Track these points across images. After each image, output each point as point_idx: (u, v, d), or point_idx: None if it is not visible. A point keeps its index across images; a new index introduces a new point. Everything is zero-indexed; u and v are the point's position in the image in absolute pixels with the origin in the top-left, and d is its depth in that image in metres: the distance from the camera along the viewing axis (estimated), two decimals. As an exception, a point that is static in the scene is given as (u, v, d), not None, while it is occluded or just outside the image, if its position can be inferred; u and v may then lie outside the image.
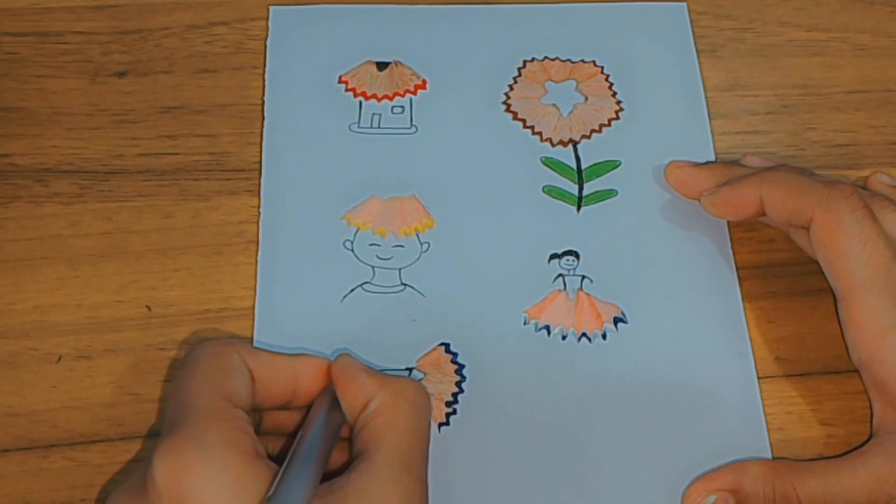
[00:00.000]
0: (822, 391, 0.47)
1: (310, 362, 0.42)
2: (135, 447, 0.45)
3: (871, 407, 0.46)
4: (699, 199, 0.50)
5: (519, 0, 0.57)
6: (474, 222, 0.50)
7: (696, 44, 0.56)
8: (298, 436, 0.39)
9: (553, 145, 0.53)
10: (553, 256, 0.50)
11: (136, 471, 0.38)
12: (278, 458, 0.39)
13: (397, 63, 0.55)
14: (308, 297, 0.48)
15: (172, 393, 0.39)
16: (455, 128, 0.53)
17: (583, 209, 0.51)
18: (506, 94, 0.54)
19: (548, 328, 0.48)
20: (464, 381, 0.46)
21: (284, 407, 0.42)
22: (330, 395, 0.41)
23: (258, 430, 0.41)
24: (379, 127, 0.53)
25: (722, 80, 0.55)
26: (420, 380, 0.46)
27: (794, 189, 0.46)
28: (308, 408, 0.42)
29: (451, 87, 0.54)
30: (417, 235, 0.50)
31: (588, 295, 0.49)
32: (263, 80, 0.54)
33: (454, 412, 0.46)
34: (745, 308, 0.49)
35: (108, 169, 0.51)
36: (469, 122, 0.53)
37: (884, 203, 0.47)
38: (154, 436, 0.45)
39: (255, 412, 0.41)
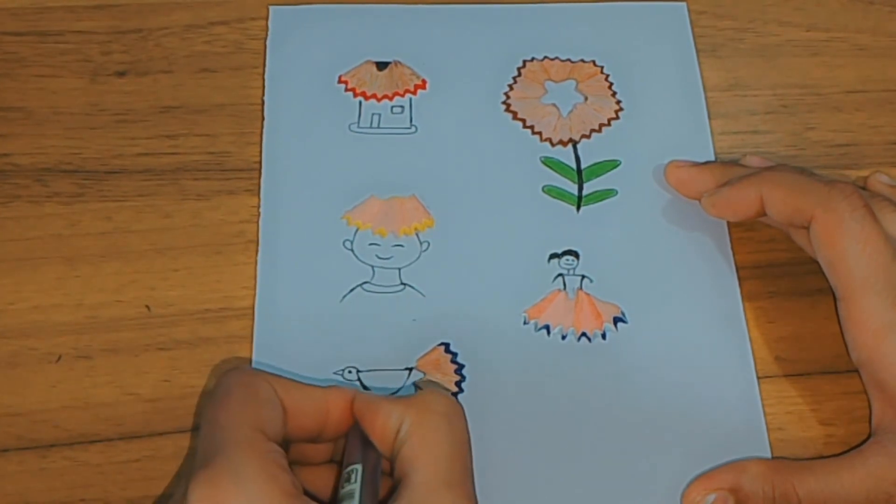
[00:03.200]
0: (822, 391, 0.47)
1: (340, 394, 0.40)
2: (135, 447, 0.45)
3: (870, 406, 0.46)
4: (699, 199, 0.50)
5: (519, 0, 0.57)
6: (474, 222, 0.50)
7: (695, 44, 0.56)
8: (340, 487, 0.38)
9: (553, 145, 0.53)
10: (553, 256, 0.50)
11: (168, 501, 0.37)
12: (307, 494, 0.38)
13: (397, 63, 0.55)
14: (308, 297, 0.48)
15: (204, 425, 0.37)
16: (455, 128, 0.53)
17: (582, 209, 0.51)
18: (505, 93, 0.54)
19: (547, 328, 0.48)
20: (464, 380, 0.46)
21: (313, 440, 0.40)
22: (360, 434, 0.39)
23: None
24: (379, 127, 0.53)
25: (722, 80, 0.55)
26: (420, 380, 0.46)
27: (795, 189, 0.46)
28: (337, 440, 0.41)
29: (450, 86, 0.54)
30: (417, 235, 0.50)
31: (588, 295, 0.49)
32: (263, 80, 0.54)
33: (454, 412, 0.45)
34: (745, 308, 0.49)
35: (108, 169, 0.51)
36: (469, 122, 0.53)
37: (884, 203, 0.47)
38: (155, 436, 0.45)
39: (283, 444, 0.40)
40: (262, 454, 0.36)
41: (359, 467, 0.38)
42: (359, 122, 0.53)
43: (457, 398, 0.46)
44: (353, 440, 0.39)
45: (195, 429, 0.45)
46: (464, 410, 0.39)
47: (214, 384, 0.39)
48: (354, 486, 0.37)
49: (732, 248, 0.50)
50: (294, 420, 0.39)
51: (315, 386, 0.40)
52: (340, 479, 0.39)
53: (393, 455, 0.38)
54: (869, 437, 0.45)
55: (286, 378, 0.39)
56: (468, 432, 0.38)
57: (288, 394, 0.39)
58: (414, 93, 0.54)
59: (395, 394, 0.46)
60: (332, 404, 0.39)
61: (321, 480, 0.41)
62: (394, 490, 0.37)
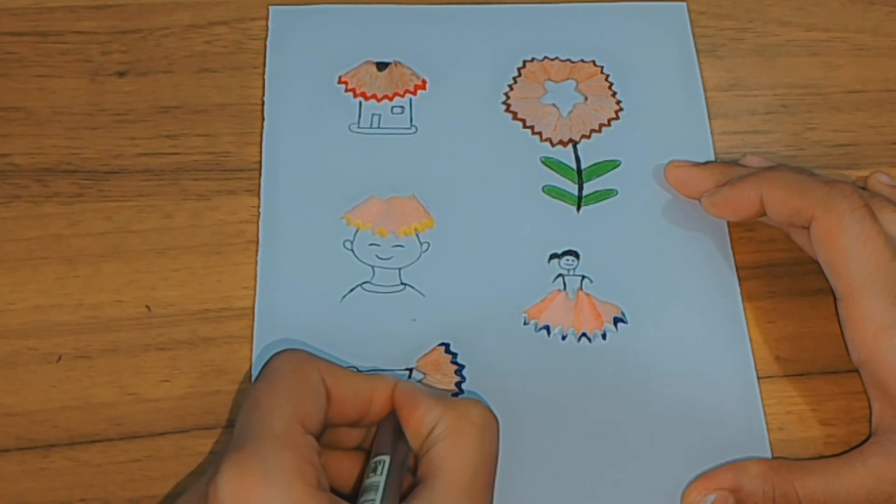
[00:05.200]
0: (822, 391, 0.47)
1: (384, 384, 0.40)
2: (134, 447, 0.45)
3: (870, 406, 0.46)
4: (699, 199, 0.50)
5: (519, 0, 0.57)
6: (474, 222, 0.50)
7: (695, 44, 0.56)
8: (366, 477, 0.38)
9: (553, 145, 0.53)
10: (553, 256, 0.50)
11: (198, 482, 0.38)
12: (334, 477, 0.39)
13: (397, 63, 0.55)
14: (308, 297, 0.48)
15: (247, 402, 0.38)
16: (455, 128, 0.53)
17: (582, 209, 0.51)
18: (505, 93, 0.54)
19: (547, 328, 0.48)
20: (464, 381, 0.46)
21: (353, 425, 0.41)
22: (392, 425, 0.40)
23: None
24: (379, 127, 0.53)
25: (722, 80, 0.55)
26: (420, 380, 0.46)
27: (795, 189, 0.46)
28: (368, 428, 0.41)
29: (450, 87, 0.54)
30: (417, 235, 0.50)
31: (588, 295, 0.49)
32: (263, 80, 0.54)
33: (454, 412, 0.46)
34: (745, 308, 0.49)
35: (108, 169, 0.51)
36: (469, 122, 0.53)
37: (883, 203, 0.47)
38: (155, 436, 0.45)
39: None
40: (296, 447, 0.36)
41: (386, 459, 0.38)
42: (359, 123, 0.53)
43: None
44: (385, 430, 0.40)
45: (194, 429, 0.45)
46: (499, 425, 0.39)
47: (266, 362, 0.39)
48: (380, 479, 0.38)
49: (732, 248, 0.50)
50: (337, 408, 0.39)
51: (362, 374, 0.40)
52: (367, 468, 0.39)
53: (421, 452, 0.38)
54: (869, 437, 0.45)
55: (336, 365, 0.40)
56: (498, 448, 0.39)
57: (336, 383, 0.39)
58: (414, 93, 0.54)
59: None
60: (376, 394, 0.40)
61: (349, 465, 0.41)
62: (413, 487, 0.37)
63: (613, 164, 0.52)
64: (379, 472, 0.38)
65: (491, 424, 0.39)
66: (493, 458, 0.38)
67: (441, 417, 0.38)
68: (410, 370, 0.46)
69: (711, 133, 0.53)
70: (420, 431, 0.38)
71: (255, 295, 0.48)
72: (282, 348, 0.44)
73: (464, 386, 0.46)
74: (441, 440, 0.38)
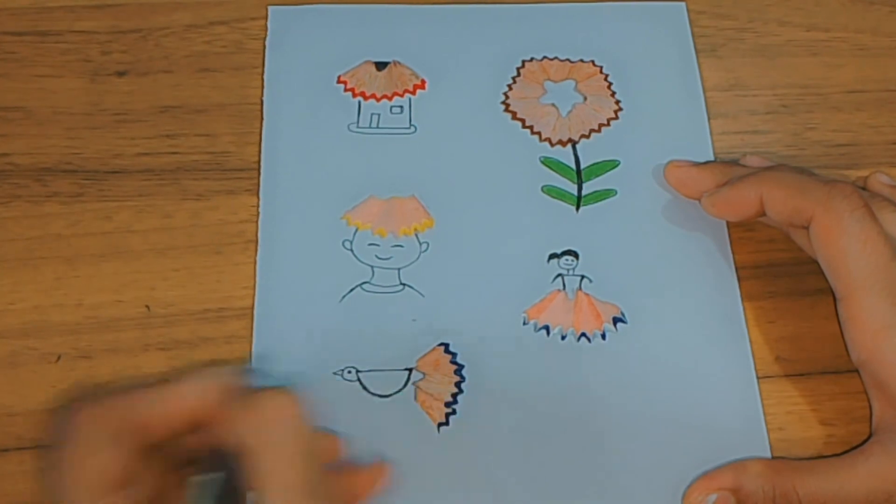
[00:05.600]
0: (822, 391, 0.47)
1: (192, 387, 0.36)
2: (134, 447, 0.45)
3: (870, 406, 0.46)
4: (699, 199, 0.50)
5: (518, 0, 0.57)
6: (474, 222, 0.50)
7: (695, 44, 0.56)
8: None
9: (552, 145, 0.53)
10: (552, 256, 0.50)
11: None
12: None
13: (396, 63, 0.55)
14: (307, 297, 0.48)
15: (50, 469, 0.35)
16: (454, 128, 0.53)
17: (582, 209, 0.51)
18: (505, 93, 0.54)
19: (547, 328, 0.48)
20: (463, 381, 0.46)
21: (194, 431, 0.37)
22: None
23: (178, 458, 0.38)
24: (378, 127, 0.53)
25: (721, 79, 0.55)
26: (420, 380, 0.46)
27: (794, 188, 0.46)
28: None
29: (450, 86, 0.54)
30: (417, 235, 0.50)
31: (587, 295, 0.49)
32: (262, 79, 0.54)
33: (454, 412, 0.46)
34: (745, 308, 0.49)
35: (108, 168, 0.51)
36: (468, 122, 0.53)
37: (883, 203, 0.47)
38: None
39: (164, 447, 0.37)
40: None
41: (201, 478, 0.37)
42: (358, 122, 0.53)
43: (456, 399, 0.46)
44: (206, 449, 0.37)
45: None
46: (298, 397, 0.36)
47: (60, 422, 0.36)
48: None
49: (732, 248, 0.50)
50: (159, 427, 0.36)
51: (172, 385, 0.37)
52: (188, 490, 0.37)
53: (244, 466, 0.35)
54: (869, 436, 0.45)
55: (144, 387, 0.37)
56: (308, 423, 0.36)
57: (145, 408, 0.36)
58: (413, 93, 0.54)
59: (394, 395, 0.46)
60: (188, 398, 0.37)
61: None
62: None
63: (613, 164, 0.52)
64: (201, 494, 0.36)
65: (291, 408, 0.35)
66: (307, 440, 0.35)
67: (242, 428, 0.35)
68: (410, 370, 0.46)
69: (711, 133, 0.53)
70: (230, 443, 0.35)
71: (254, 295, 0.48)
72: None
73: (464, 386, 0.46)
74: (254, 450, 0.35)
